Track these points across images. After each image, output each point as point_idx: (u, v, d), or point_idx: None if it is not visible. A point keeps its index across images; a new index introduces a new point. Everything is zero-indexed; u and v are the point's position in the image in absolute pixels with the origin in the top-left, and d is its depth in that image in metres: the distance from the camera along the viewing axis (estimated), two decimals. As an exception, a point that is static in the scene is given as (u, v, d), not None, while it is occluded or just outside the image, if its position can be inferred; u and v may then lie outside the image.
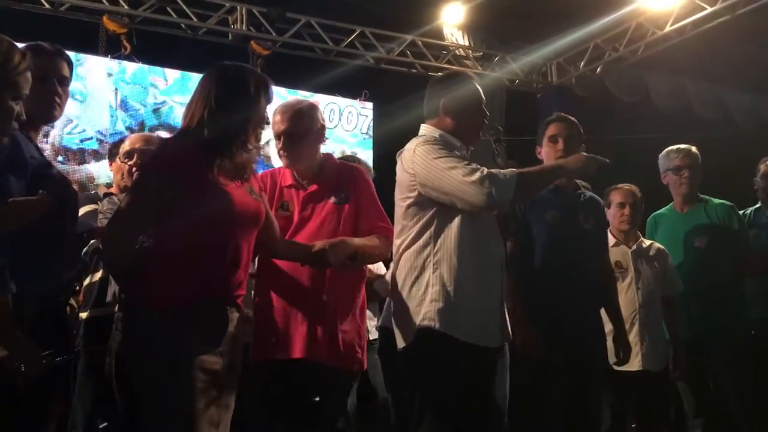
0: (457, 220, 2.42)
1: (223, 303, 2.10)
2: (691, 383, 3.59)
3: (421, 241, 2.45)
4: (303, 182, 2.64)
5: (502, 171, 2.36)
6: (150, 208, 2.02)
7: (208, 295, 2.04)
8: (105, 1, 6.43)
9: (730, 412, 3.50)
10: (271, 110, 2.31)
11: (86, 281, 3.59)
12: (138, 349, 2.05)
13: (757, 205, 3.93)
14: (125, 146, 2.98)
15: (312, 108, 2.71)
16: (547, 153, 3.06)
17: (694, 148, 3.72)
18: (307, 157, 2.63)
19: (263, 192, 2.47)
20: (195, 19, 6.84)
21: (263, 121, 2.20)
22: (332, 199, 2.59)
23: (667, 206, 3.82)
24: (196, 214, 2.00)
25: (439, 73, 2.90)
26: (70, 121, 6.00)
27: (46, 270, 2.00)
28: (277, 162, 2.92)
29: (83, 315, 3.36)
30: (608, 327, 3.18)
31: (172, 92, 6.55)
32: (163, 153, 2.11)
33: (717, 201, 3.71)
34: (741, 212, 3.83)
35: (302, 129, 2.60)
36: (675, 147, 3.74)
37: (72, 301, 3.32)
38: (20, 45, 1.93)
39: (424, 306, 2.40)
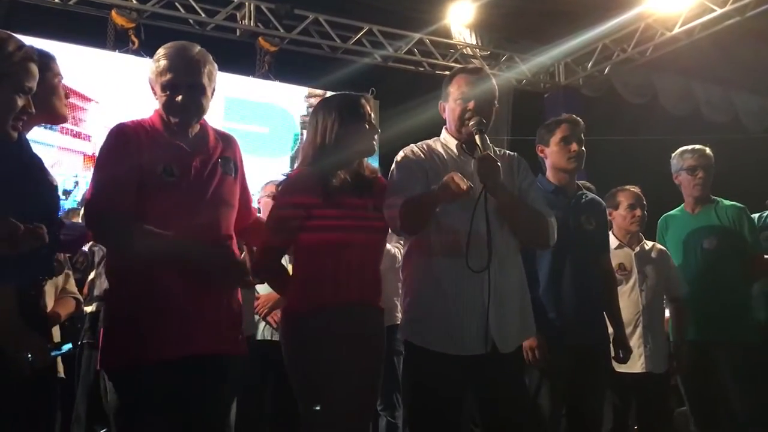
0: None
1: (359, 305, 2.29)
2: (696, 386, 3.56)
3: (406, 250, 2.54)
4: (184, 145, 2.19)
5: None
6: (284, 237, 2.31)
7: (342, 302, 2.25)
8: (114, -4, 6.45)
9: (735, 417, 3.45)
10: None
11: (90, 275, 3.63)
12: (286, 349, 2.28)
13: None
14: None
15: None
16: (556, 153, 3.00)
17: (708, 149, 3.68)
18: (203, 116, 2.26)
19: (127, 145, 2.13)
20: (203, 15, 6.85)
21: (367, 141, 2.36)
22: (219, 169, 2.22)
23: (678, 207, 3.78)
24: (320, 236, 2.26)
25: (447, 72, 2.83)
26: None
27: (24, 265, 2.00)
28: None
29: (88, 309, 3.39)
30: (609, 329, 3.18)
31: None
32: (288, 189, 2.38)
33: (728, 203, 3.67)
34: (753, 215, 3.78)
35: (208, 81, 2.22)
36: (689, 147, 3.69)
37: (78, 295, 3.36)
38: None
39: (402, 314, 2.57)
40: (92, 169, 2.23)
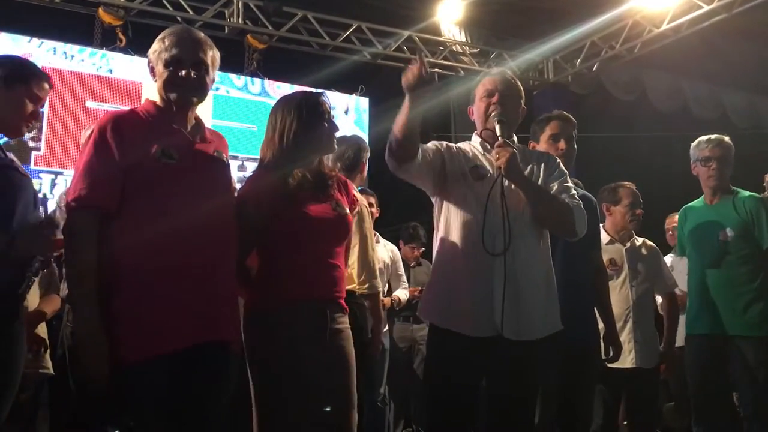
0: (445, 205, 2.51)
1: (323, 303, 2.30)
2: (704, 381, 3.42)
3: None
4: (184, 131, 2.17)
5: None
6: (246, 244, 2.27)
7: (307, 297, 2.26)
8: (100, -7, 6.40)
9: (738, 411, 3.40)
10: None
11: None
12: (249, 345, 2.27)
13: None
14: None
15: None
16: (545, 150, 2.99)
17: (726, 138, 3.57)
18: (203, 96, 2.22)
19: (117, 135, 2.04)
20: (191, 12, 6.81)
21: (327, 140, 2.37)
22: (217, 158, 2.22)
23: (699, 198, 3.66)
24: (283, 234, 2.28)
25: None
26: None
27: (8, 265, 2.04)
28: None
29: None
30: (600, 325, 3.18)
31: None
32: (249, 189, 2.35)
33: (747, 193, 3.55)
34: None
35: (211, 65, 2.19)
36: (706, 137, 3.58)
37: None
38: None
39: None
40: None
